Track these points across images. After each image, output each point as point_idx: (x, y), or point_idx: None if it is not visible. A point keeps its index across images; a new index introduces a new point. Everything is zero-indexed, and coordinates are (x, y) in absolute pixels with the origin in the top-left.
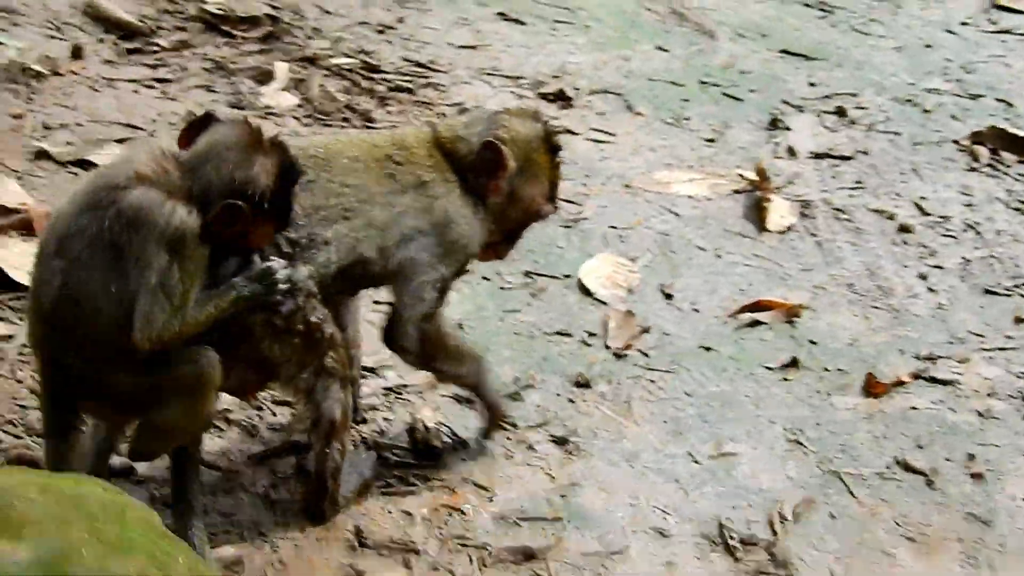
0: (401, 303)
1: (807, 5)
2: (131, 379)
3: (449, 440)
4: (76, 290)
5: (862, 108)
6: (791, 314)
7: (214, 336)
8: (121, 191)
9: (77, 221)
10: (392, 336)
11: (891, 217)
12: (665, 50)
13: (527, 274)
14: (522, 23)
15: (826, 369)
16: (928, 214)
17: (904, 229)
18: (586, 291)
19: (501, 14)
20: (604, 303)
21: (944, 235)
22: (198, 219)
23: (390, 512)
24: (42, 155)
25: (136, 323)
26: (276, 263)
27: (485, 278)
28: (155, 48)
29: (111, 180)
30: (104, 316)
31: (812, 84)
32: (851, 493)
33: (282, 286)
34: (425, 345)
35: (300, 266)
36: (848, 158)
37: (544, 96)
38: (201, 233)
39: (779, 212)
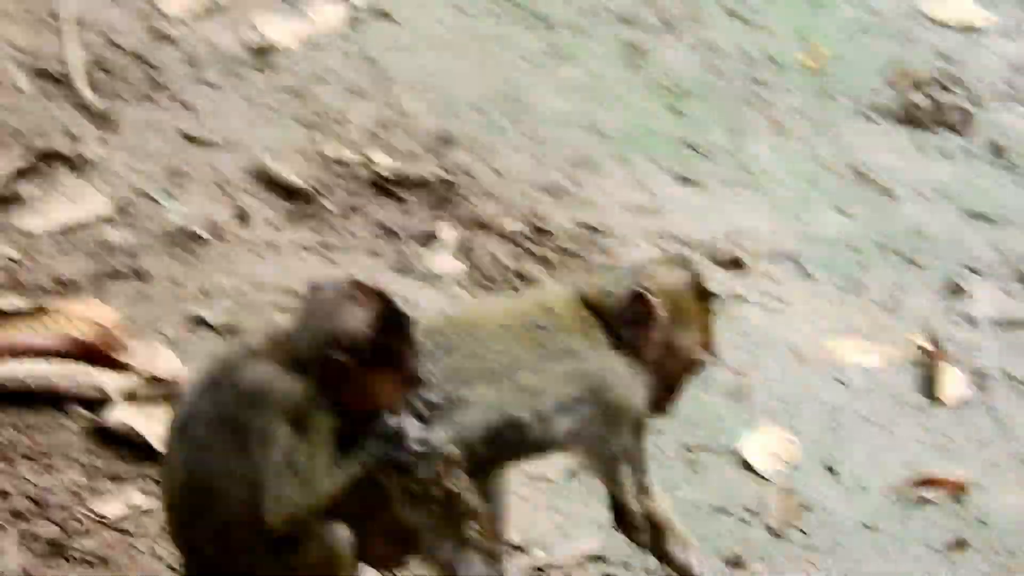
0: (609, 488)
1: (993, 164)
2: (268, 562)
3: None
4: (201, 476)
5: None
6: (961, 491)
7: (352, 504)
8: (237, 369)
9: (197, 404)
10: (618, 522)
11: None
12: (844, 212)
13: (686, 447)
14: (698, 185)
15: (996, 551)
16: None
17: None
18: (747, 465)
19: (678, 176)
20: (765, 478)
21: None
22: (313, 387)
23: None
24: (199, 322)
25: (266, 503)
26: (409, 422)
27: None
28: (322, 212)
29: (227, 359)
30: (233, 500)
31: (995, 248)
32: None
33: (415, 447)
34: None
35: (437, 428)
36: None
37: (717, 262)
38: (320, 400)
39: (953, 384)
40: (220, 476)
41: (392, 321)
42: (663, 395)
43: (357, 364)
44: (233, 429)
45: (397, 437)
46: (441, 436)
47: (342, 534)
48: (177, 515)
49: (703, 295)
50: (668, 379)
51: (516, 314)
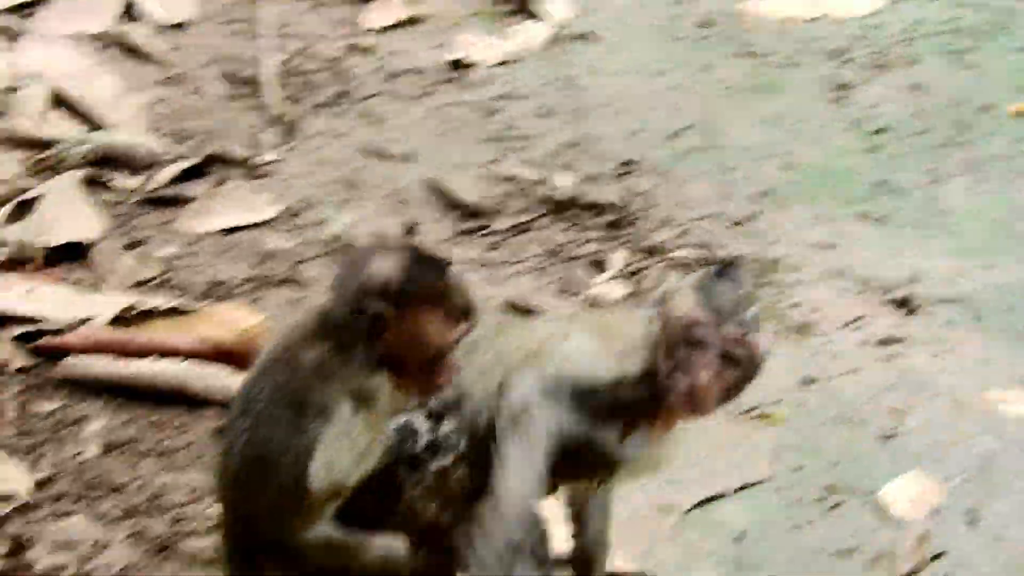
0: None
1: None
2: (315, 543)
3: None
4: (259, 447)
5: None
6: None
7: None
8: (301, 346)
9: (260, 380)
10: None
11: None
12: None
13: (827, 488)
14: (883, 224)
15: None
16: None
17: None
18: (885, 510)
19: (863, 214)
20: (901, 524)
21: None
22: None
23: None
24: None
25: (316, 471)
26: (417, 417)
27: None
28: (492, 231)
29: (290, 337)
30: (285, 473)
31: None
32: None
33: (421, 438)
34: None
35: (446, 420)
36: None
37: (890, 302)
38: (378, 363)
39: None
40: (276, 448)
41: (424, 263)
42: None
43: (393, 308)
44: (294, 403)
45: (406, 428)
46: (448, 427)
47: (402, 546)
48: (233, 485)
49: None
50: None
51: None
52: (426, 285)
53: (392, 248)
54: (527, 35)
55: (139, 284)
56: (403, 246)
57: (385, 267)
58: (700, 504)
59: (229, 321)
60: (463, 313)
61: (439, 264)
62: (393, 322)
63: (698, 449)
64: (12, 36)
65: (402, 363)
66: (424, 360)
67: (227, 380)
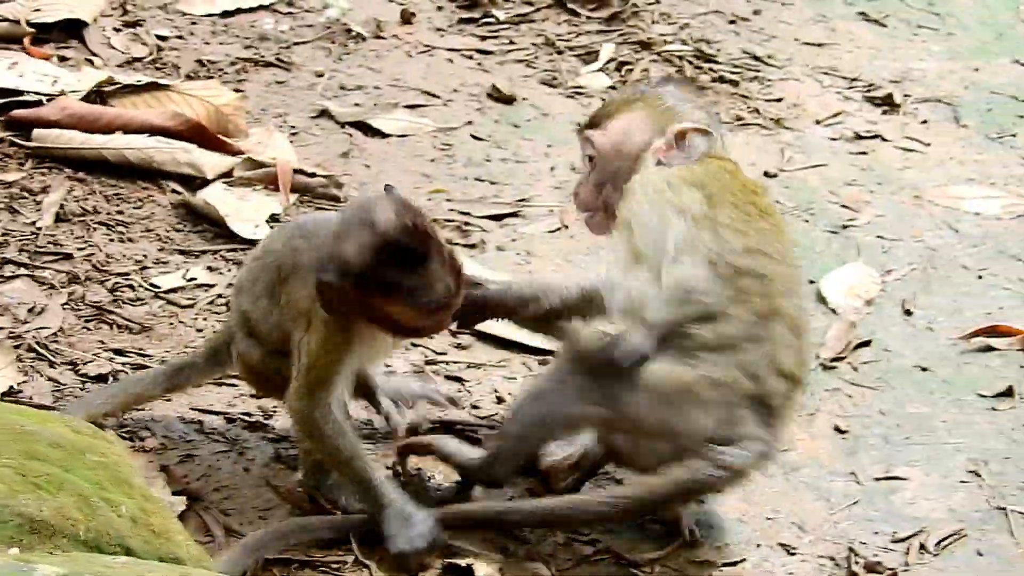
0: None
1: None
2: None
3: None
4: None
5: None
6: None
7: None
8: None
9: (269, 244)
10: None
11: None
12: (1021, 64)
13: None
14: (883, 25)
15: None
16: None
17: None
18: (822, 299)
19: (863, 14)
20: (835, 312)
21: None
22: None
23: None
24: (324, 114)
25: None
26: None
27: None
28: (491, 20)
29: (292, 229)
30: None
31: None
32: (1011, 532)
33: None
34: None
35: None
36: None
37: (870, 100)
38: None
39: None
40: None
41: (403, 252)
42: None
43: (350, 286)
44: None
45: None
46: None
47: None
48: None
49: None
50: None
51: None
52: (387, 278)
53: (385, 220)
54: None
55: (129, 63)
56: (397, 223)
57: (357, 244)
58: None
59: (204, 98)
60: (435, 308)
61: (418, 257)
62: (349, 297)
63: None
64: None
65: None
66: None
67: (193, 156)
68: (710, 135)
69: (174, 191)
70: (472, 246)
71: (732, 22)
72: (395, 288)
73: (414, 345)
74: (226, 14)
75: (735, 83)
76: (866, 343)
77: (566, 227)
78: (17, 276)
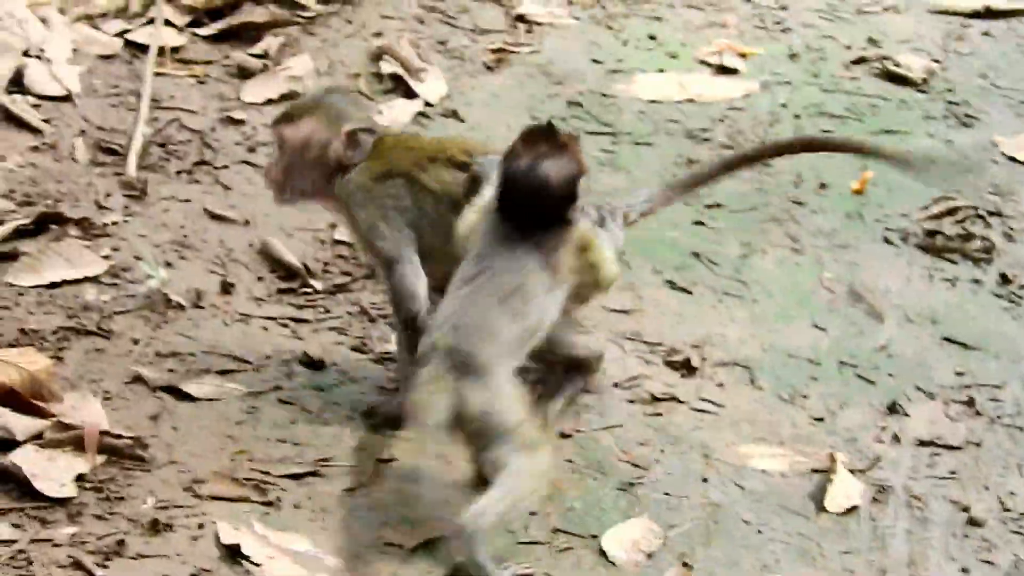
0: None
1: (997, 295)
2: None
3: None
4: None
5: (997, 400)
6: None
7: None
8: None
9: None
10: None
11: (966, 509)
12: (821, 328)
13: (555, 530)
14: (688, 292)
15: None
16: (1008, 510)
17: (973, 523)
18: (602, 553)
19: (670, 282)
20: (614, 565)
21: (1016, 531)
22: None
23: None
24: (137, 380)
25: None
26: None
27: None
28: (308, 290)
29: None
30: None
31: (959, 373)
32: None
33: None
34: None
35: None
36: (955, 448)
37: (670, 364)
38: None
39: (845, 494)
40: None
41: None
42: None
43: None
44: None
45: None
46: None
47: None
48: None
49: None
50: None
51: None
52: None
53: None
54: (397, 111)
55: None
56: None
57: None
58: None
59: (19, 364)
60: None
61: None
62: None
63: None
64: None
65: None
66: None
67: (5, 419)
68: (373, 132)
69: None
70: (268, 503)
71: None
72: None
73: None
74: (52, 285)
75: None
76: None
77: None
78: None
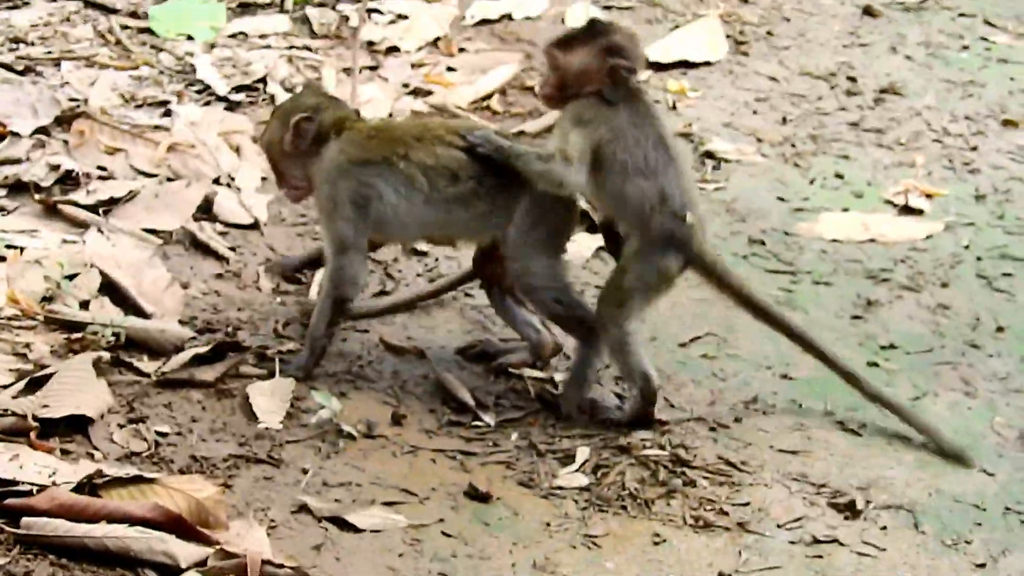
0: None
1: None
2: None
3: None
4: None
5: None
6: None
7: None
8: None
9: None
10: None
11: None
12: (989, 474)
13: None
14: (858, 434)
15: None
16: None
17: None
18: None
19: (840, 423)
20: None
21: None
22: None
23: None
24: (303, 509)
25: None
26: None
27: None
28: (479, 424)
29: None
30: None
31: None
32: None
33: None
34: None
35: None
36: None
37: (834, 505)
38: None
39: None
40: None
41: None
42: None
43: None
44: None
45: None
46: None
47: None
48: None
49: None
50: None
51: None
52: None
53: None
54: (578, 244)
55: (127, 456)
56: None
57: None
58: None
59: (187, 491)
60: None
61: None
62: None
63: None
64: (84, 226)
65: None
66: None
67: (169, 546)
68: (313, 120)
69: None
70: None
71: (712, 429)
72: None
73: None
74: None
75: (705, 487)
76: None
77: None
78: None
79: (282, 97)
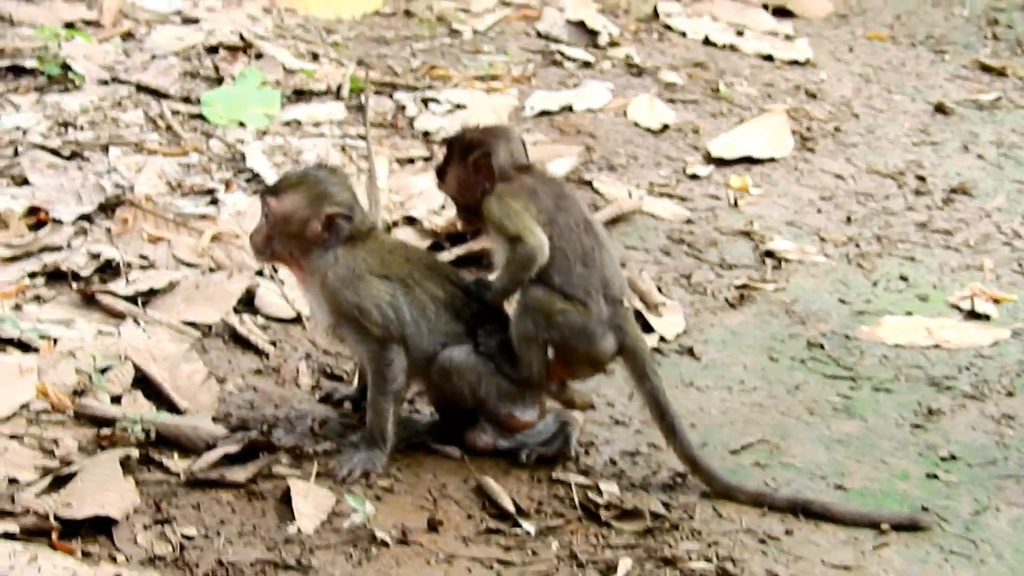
0: None
1: None
2: None
3: None
4: None
5: None
6: None
7: None
8: None
9: None
10: None
11: None
12: None
13: None
14: (911, 548)
15: None
16: None
17: None
18: None
19: (899, 539)
20: None
21: None
22: None
23: None
24: None
25: None
26: None
27: None
28: (518, 531)
29: None
30: None
31: None
32: None
33: None
34: None
35: None
36: None
37: None
38: None
39: None
40: None
41: None
42: None
43: None
44: None
45: None
46: None
47: None
48: None
49: None
50: None
51: None
52: None
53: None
54: None
55: (151, 560)
56: None
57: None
58: None
59: None
60: None
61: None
62: None
63: None
64: (121, 317)
65: None
66: None
67: None
68: (351, 219)
69: None
70: None
71: (762, 541)
72: None
73: None
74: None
75: None
76: None
77: None
78: None
79: None
